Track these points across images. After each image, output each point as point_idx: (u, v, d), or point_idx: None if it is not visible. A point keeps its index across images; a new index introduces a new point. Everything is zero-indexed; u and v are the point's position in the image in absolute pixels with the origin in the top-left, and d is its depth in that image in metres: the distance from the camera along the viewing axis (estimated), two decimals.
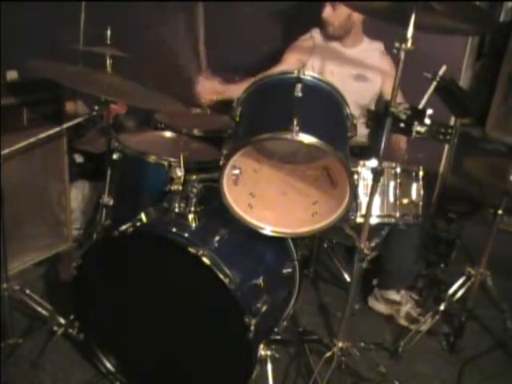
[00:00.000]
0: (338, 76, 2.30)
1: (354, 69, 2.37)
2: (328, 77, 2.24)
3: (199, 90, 2.35)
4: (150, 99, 1.86)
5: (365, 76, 2.38)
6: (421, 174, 1.79)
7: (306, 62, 2.40)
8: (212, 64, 2.36)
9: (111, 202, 2.01)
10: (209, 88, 2.34)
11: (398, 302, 2.31)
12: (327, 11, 2.29)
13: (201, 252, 1.48)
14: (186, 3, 2.92)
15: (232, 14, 2.95)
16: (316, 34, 2.44)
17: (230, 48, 2.95)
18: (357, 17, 2.30)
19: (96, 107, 1.87)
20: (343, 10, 2.24)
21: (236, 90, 1.78)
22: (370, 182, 1.62)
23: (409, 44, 1.45)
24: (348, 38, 2.38)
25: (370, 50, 2.42)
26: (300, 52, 2.43)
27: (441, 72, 1.70)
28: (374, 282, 2.38)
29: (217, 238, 1.59)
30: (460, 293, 2.13)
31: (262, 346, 1.60)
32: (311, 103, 1.56)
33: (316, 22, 2.43)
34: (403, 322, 2.28)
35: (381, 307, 2.36)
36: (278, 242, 1.77)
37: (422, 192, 1.78)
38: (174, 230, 1.57)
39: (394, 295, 2.32)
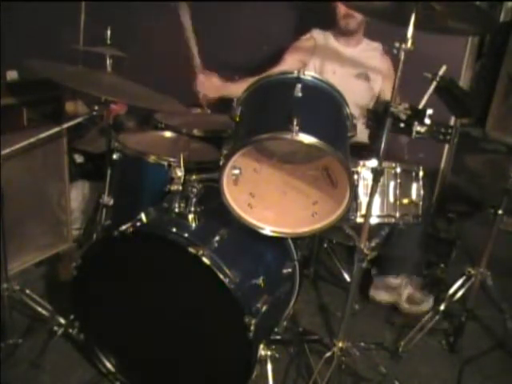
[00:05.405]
0: (339, 75, 2.30)
1: (356, 68, 2.37)
2: (330, 77, 2.24)
3: (198, 89, 2.34)
4: (150, 99, 1.86)
5: (367, 75, 2.38)
6: (421, 173, 1.78)
7: (307, 63, 2.40)
8: (212, 64, 2.35)
9: (111, 202, 2.01)
10: (208, 85, 2.32)
11: (398, 287, 2.30)
12: None
13: (201, 252, 1.48)
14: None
15: (232, 13, 2.95)
16: (316, 34, 2.44)
17: (230, 48, 2.95)
18: None
19: (96, 107, 1.87)
20: None
21: (235, 89, 1.77)
22: (370, 182, 1.62)
23: (409, 44, 1.45)
24: (355, 36, 2.38)
25: (370, 50, 2.42)
26: (300, 52, 2.43)
27: (441, 72, 1.71)
28: (373, 271, 2.37)
29: (217, 238, 1.59)
30: (460, 293, 2.12)
31: (262, 346, 1.60)
32: (311, 103, 1.56)
33: (317, 21, 2.42)
34: (406, 306, 2.28)
35: (382, 295, 2.34)
36: (278, 241, 1.77)
37: (422, 192, 1.78)
38: (174, 230, 1.57)
39: (393, 280, 2.31)
